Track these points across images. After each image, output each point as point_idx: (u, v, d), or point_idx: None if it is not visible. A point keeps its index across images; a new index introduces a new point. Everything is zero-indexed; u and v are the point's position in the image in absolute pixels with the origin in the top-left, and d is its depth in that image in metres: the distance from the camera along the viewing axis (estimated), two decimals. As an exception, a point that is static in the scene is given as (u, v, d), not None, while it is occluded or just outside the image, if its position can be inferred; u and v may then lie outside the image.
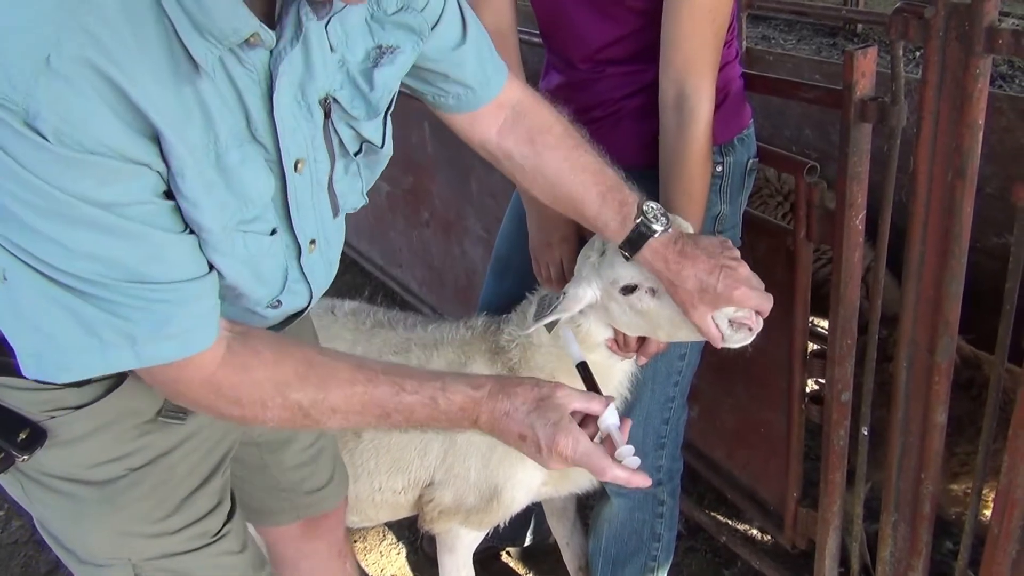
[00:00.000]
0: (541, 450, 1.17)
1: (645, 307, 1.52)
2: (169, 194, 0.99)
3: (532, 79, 1.77)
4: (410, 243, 3.73)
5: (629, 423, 1.26)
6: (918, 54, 5.22)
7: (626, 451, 1.21)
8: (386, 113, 1.26)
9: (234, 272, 1.09)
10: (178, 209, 1.00)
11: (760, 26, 7.75)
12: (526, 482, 1.95)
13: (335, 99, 1.15)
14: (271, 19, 1.01)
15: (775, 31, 7.76)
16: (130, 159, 0.92)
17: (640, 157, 1.75)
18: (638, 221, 1.42)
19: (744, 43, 3.07)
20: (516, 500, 1.97)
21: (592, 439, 1.19)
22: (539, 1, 1.79)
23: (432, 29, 1.28)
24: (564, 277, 1.84)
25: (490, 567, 2.61)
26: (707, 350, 2.00)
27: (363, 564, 2.67)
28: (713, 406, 2.41)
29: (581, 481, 2.03)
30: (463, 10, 1.34)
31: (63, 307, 0.95)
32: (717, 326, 1.42)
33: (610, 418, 1.23)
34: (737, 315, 1.41)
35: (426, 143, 3.28)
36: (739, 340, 1.44)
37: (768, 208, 2.80)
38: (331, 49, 1.11)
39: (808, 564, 2.21)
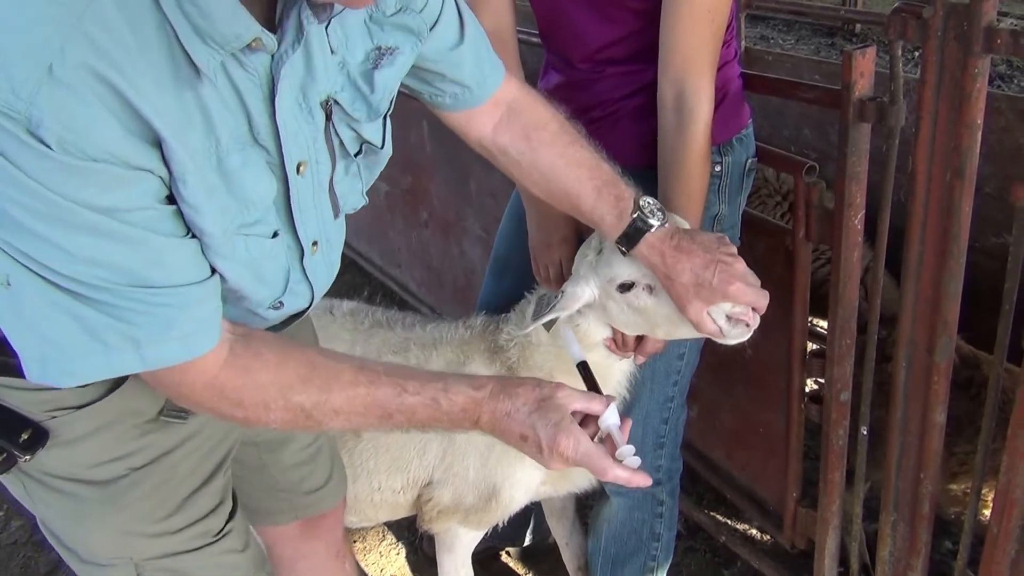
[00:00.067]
0: (542, 450, 1.18)
1: (643, 305, 1.52)
2: (171, 199, 0.99)
3: (531, 79, 1.77)
4: (409, 243, 3.73)
5: (629, 423, 1.26)
6: (917, 54, 5.22)
7: (627, 451, 1.21)
8: (386, 114, 1.26)
9: (236, 275, 1.09)
10: (180, 214, 1.00)
11: (759, 26, 7.76)
12: (525, 481, 1.95)
13: (336, 101, 1.15)
14: (272, 23, 1.01)
15: (774, 31, 7.76)
16: (133, 165, 0.92)
17: (639, 157, 1.75)
18: (635, 216, 1.42)
19: (743, 43, 3.07)
20: (515, 499, 1.98)
21: (593, 439, 1.19)
22: (538, 1, 1.79)
23: (431, 30, 1.28)
24: (563, 277, 1.84)
25: (490, 567, 2.61)
26: (706, 350, 2.01)
27: (362, 564, 2.67)
28: (712, 406, 2.41)
29: (580, 481, 2.03)
30: (461, 10, 1.34)
31: (66, 312, 0.95)
32: (714, 321, 1.42)
33: (611, 418, 1.23)
34: (734, 311, 1.41)
35: (425, 143, 3.28)
36: (736, 336, 1.43)
37: (767, 208, 2.80)
38: (331, 51, 1.11)
39: (807, 564, 2.21)
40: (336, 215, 1.26)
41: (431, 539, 2.25)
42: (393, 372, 1.18)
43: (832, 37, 7.37)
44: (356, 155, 1.25)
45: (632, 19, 1.68)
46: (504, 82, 1.45)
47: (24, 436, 1.20)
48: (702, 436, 2.52)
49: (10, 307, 0.96)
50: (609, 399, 1.25)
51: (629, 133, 1.79)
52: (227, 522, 1.42)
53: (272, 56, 1.01)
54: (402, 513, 2.14)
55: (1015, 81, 6.04)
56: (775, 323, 1.98)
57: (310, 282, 1.25)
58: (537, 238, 1.91)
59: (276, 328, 1.33)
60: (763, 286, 1.41)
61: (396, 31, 1.22)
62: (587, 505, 2.40)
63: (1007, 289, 1.56)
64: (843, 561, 2.16)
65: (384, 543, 2.77)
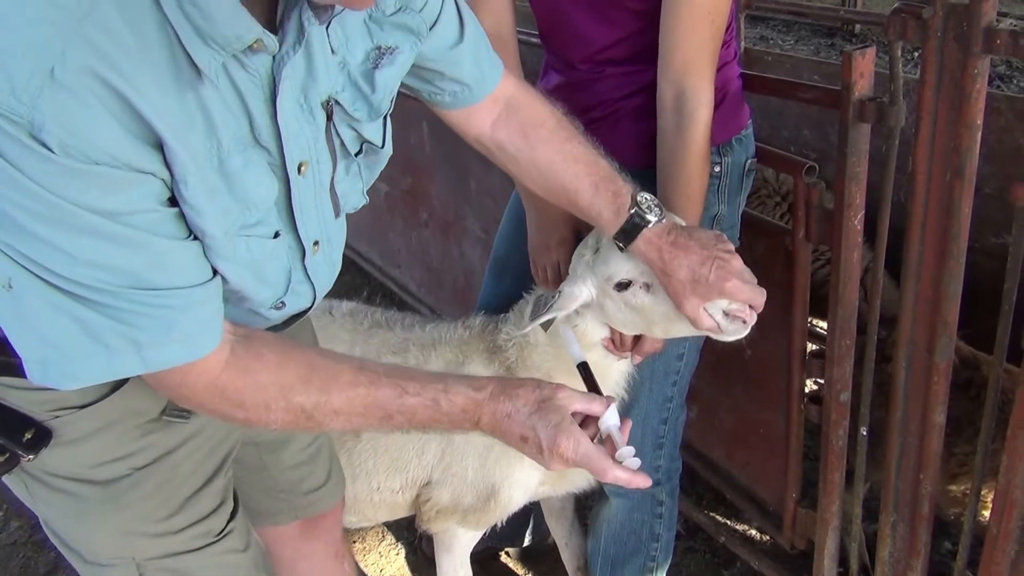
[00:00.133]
0: (542, 451, 1.18)
1: (640, 303, 1.52)
2: (173, 201, 0.99)
3: (531, 79, 1.77)
4: (409, 244, 3.73)
5: (630, 424, 1.26)
6: (916, 54, 5.23)
7: (627, 452, 1.21)
8: (386, 113, 1.26)
9: (237, 276, 1.10)
10: (182, 216, 1.00)
11: (758, 26, 7.76)
12: (523, 481, 1.95)
13: (337, 101, 1.15)
14: (273, 23, 1.01)
15: (773, 31, 7.76)
16: (135, 168, 0.92)
17: (639, 157, 1.75)
18: (632, 211, 1.42)
19: (743, 43, 3.07)
20: (513, 499, 1.98)
21: (592, 440, 1.19)
22: (538, 2, 1.79)
23: (430, 29, 1.28)
24: (561, 279, 1.84)
25: (489, 567, 2.61)
26: (705, 350, 2.01)
27: (362, 565, 2.67)
28: (712, 406, 2.41)
29: (578, 481, 2.03)
30: (460, 9, 1.35)
31: (68, 314, 0.95)
32: (711, 316, 1.42)
33: (611, 419, 1.23)
34: (730, 308, 1.41)
35: (424, 144, 3.28)
36: (733, 332, 1.43)
37: (766, 208, 2.80)
38: (332, 51, 1.11)
39: (807, 564, 2.21)
40: (337, 215, 1.26)
41: (430, 539, 2.25)
42: (393, 373, 1.18)
43: (832, 38, 7.37)
44: (357, 155, 1.26)
45: (632, 20, 1.68)
46: (502, 79, 1.46)
47: (27, 436, 1.20)
48: (702, 436, 2.52)
49: (11, 309, 0.96)
50: (609, 400, 1.25)
51: (629, 133, 1.79)
52: (228, 522, 1.43)
53: (273, 57, 1.02)
54: (401, 513, 2.14)
55: (1014, 81, 6.05)
56: (774, 323, 1.99)
57: (312, 282, 1.25)
58: (536, 239, 1.91)
59: (278, 328, 1.33)
60: (763, 287, 1.41)
61: (396, 30, 1.23)
62: (586, 506, 2.40)
63: (1006, 289, 1.56)
64: (843, 562, 2.16)
65: (383, 543, 2.77)
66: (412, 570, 2.68)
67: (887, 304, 1.86)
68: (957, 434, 1.98)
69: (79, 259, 0.92)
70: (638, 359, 1.72)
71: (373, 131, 1.25)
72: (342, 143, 1.21)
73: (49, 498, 1.29)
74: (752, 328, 1.44)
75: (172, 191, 0.98)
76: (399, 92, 1.30)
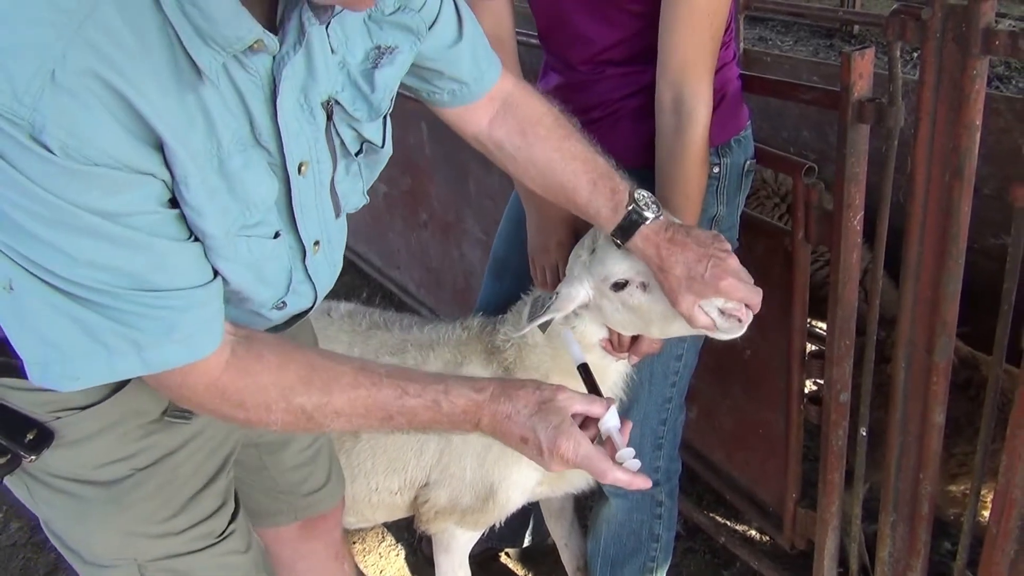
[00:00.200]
0: (543, 453, 1.18)
1: (636, 303, 1.52)
2: (174, 203, 0.99)
3: (530, 80, 1.77)
4: (408, 245, 3.73)
5: (630, 425, 1.26)
6: (915, 55, 5.23)
7: (627, 453, 1.21)
8: (386, 113, 1.26)
9: (238, 276, 1.10)
10: (182, 217, 1.00)
11: (757, 27, 7.76)
12: (521, 482, 1.95)
13: (337, 101, 1.15)
14: (273, 24, 1.02)
15: (772, 32, 7.77)
16: (135, 169, 0.93)
17: (638, 158, 1.75)
18: (630, 208, 1.43)
19: (742, 44, 3.07)
20: (511, 500, 1.98)
21: (592, 441, 1.20)
22: (538, 4, 1.79)
23: (429, 29, 1.28)
24: (559, 280, 1.84)
25: (489, 568, 2.61)
26: (705, 351, 2.01)
27: (362, 566, 2.67)
28: (711, 407, 2.41)
29: (577, 481, 2.04)
30: (458, 7, 1.35)
31: (68, 316, 0.95)
32: (707, 314, 1.42)
33: (611, 420, 1.23)
34: (726, 306, 1.41)
35: (424, 144, 3.28)
36: (728, 329, 1.42)
37: (765, 209, 2.80)
38: (332, 51, 1.11)
39: (807, 565, 2.21)
40: (337, 215, 1.26)
41: (430, 540, 2.25)
42: (394, 374, 1.18)
43: (831, 38, 7.37)
44: (357, 154, 1.26)
45: (631, 21, 1.68)
46: (500, 78, 1.46)
47: (29, 437, 1.20)
48: (701, 437, 2.52)
49: (12, 310, 0.96)
50: (609, 402, 1.25)
51: (629, 134, 1.79)
52: (230, 523, 1.43)
53: (273, 57, 1.02)
54: (399, 514, 2.14)
55: (1013, 82, 6.05)
56: (774, 324, 1.99)
57: (313, 282, 1.26)
58: (535, 241, 1.91)
59: (279, 328, 1.33)
60: (762, 287, 1.42)
61: (395, 30, 1.23)
62: (586, 506, 2.40)
63: (1005, 290, 1.56)
64: (842, 562, 2.16)
65: (383, 544, 2.78)
66: (412, 571, 2.69)
67: (886, 305, 1.87)
68: (956, 434, 1.99)
69: (79, 260, 0.93)
70: (635, 359, 1.73)
71: (373, 131, 1.26)
72: (342, 143, 1.21)
73: (50, 499, 1.29)
74: (751, 329, 1.44)
75: (172, 192, 0.98)
76: (398, 92, 1.30)
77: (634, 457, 1.21)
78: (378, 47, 1.21)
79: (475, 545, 2.17)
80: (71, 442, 1.24)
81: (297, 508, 1.73)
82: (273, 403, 1.12)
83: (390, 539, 2.79)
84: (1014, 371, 1.75)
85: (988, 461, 1.73)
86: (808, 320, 2.03)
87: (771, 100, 2.73)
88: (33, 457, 1.21)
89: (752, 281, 1.41)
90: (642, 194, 1.44)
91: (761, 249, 2.00)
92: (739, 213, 1.92)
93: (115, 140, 0.90)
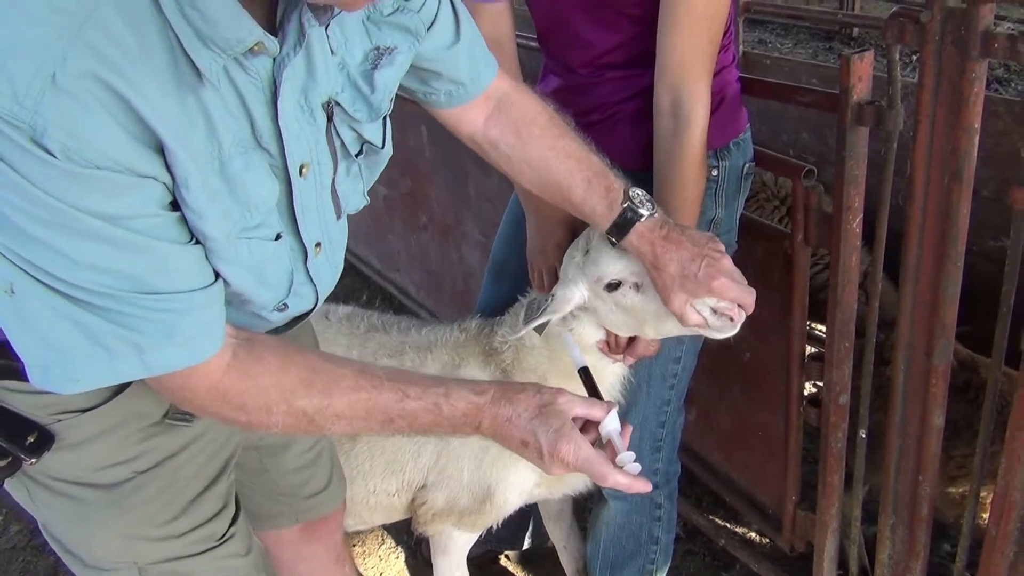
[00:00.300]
0: (543, 456, 1.18)
1: (630, 303, 1.52)
2: (174, 205, 0.99)
3: (529, 83, 1.77)
4: (408, 247, 3.73)
5: (630, 429, 1.27)
6: (914, 58, 5.23)
7: (627, 457, 1.21)
8: (386, 114, 1.27)
9: (239, 278, 1.10)
10: (183, 220, 1.00)
11: (757, 30, 7.77)
12: (519, 483, 1.95)
13: (337, 102, 1.16)
14: (272, 25, 1.02)
15: (772, 35, 7.77)
16: (137, 172, 0.92)
17: (637, 160, 1.75)
18: (624, 206, 1.43)
19: (741, 47, 3.08)
20: (509, 501, 1.98)
21: (593, 444, 1.20)
22: (538, 7, 1.80)
23: (428, 29, 1.28)
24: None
25: (488, 570, 2.61)
26: (704, 353, 2.01)
27: (361, 568, 2.67)
28: (710, 409, 2.41)
29: (575, 483, 2.04)
30: (456, 8, 1.35)
31: (69, 318, 0.95)
32: (699, 313, 1.41)
33: (611, 424, 1.23)
34: (719, 306, 1.41)
35: (423, 147, 3.29)
36: (720, 328, 1.42)
37: (764, 212, 2.80)
38: (331, 52, 1.12)
39: (806, 567, 2.21)
40: (338, 216, 1.26)
41: (429, 542, 2.25)
42: (395, 377, 1.18)
43: (830, 41, 7.37)
44: (357, 155, 1.26)
45: (630, 25, 1.68)
46: (496, 77, 1.46)
47: (30, 439, 1.20)
48: (700, 439, 2.52)
49: (13, 313, 0.96)
50: (609, 405, 1.25)
51: (627, 136, 1.79)
52: (230, 526, 1.43)
53: (274, 59, 1.02)
54: (397, 516, 2.14)
55: (1012, 85, 6.05)
56: (773, 326, 1.99)
57: (314, 283, 1.26)
58: (533, 243, 1.91)
59: (280, 330, 1.33)
60: (761, 290, 1.42)
61: (394, 31, 1.23)
62: (585, 508, 2.40)
63: (1004, 292, 1.56)
64: (842, 564, 2.17)
65: (383, 547, 2.77)
66: (411, 573, 2.68)
67: (886, 307, 1.87)
68: (956, 436, 1.99)
69: (80, 263, 0.93)
70: (630, 360, 1.72)
71: (373, 132, 1.26)
72: (343, 144, 1.21)
73: (51, 502, 1.29)
74: (751, 331, 1.44)
75: (173, 195, 0.99)
76: (397, 95, 1.31)
77: (634, 461, 1.21)
78: (377, 48, 1.21)
79: (474, 547, 2.17)
80: (72, 445, 1.24)
81: (298, 511, 1.73)
82: (274, 406, 1.12)
83: (390, 541, 2.79)
84: (1013, 374, 1.75)
85: (987, 463, 1.73)
86: (808, 322, 2.03)
87: (770, 103, 2.73)
88: (34, 460, 1.21)
89: (745, 282, 1.41)
90: (637, 192, 1.44)
91: (761, 252, 2.00)
92: (738, 216, 1.92)
93: (116, 143, 0.90)
